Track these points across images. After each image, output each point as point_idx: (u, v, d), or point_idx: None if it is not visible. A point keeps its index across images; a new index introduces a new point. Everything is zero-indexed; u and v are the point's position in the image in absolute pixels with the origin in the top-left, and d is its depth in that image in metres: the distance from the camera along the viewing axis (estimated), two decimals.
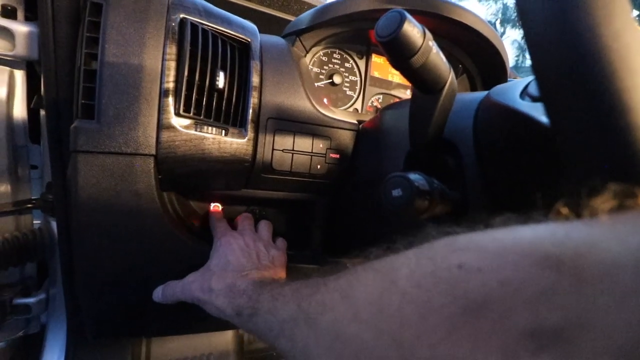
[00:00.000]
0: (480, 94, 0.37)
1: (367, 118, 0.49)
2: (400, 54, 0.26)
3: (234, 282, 0.35)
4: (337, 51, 0.58)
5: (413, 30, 0.25)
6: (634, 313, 0.09)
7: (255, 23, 0.51)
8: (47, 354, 0.63)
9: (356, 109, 0.60)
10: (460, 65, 0.65)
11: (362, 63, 0.60)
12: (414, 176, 0.26)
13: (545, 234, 0.13)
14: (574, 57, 0.14)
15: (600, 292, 0.10)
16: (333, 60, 0.58)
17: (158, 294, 0.41)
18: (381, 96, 0.63)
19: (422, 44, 0.26)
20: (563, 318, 0.10)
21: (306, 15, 0.48)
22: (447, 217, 0.33)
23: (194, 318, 0.50)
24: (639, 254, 0.10)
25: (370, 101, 0.62)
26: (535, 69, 0.16)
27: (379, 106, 0.62)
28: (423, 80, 0.29)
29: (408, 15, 0.25)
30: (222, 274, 0.38)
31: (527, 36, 0.16)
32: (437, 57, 0.27)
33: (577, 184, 0.15)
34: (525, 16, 0.16)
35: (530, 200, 0.30)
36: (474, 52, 0.59)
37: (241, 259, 0.40)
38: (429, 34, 0.27)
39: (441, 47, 0.60)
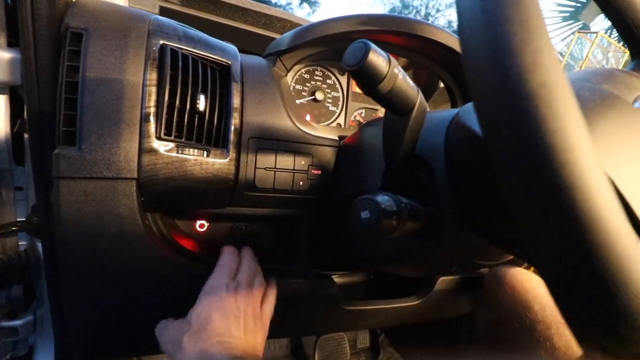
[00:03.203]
0: (451, 112, 0.38)
1: (350, 133, 0.50)
2: (368, 82, 0.27)
3: (208, 348, 0.32)
4: (319, 68, 0.60)
5: (378, 59, 0.27)
6: None
7: (239, 41, 0.52)
8: None
9: (339, 124, 0.62)
10: (439, 80, 0.67)
11: (343, 79, 0.62)
12: (381, 198, 0.27)
13: None
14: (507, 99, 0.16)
15: None
16: (315, 77, 0.60)
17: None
18: (364, 110, 0.64)
19: (388, 71, 0.27)
20: None
21: (286, 36, 0.49)
22: (421, 231, 0.34)
23: None
24: None
25: (353, 116, 0.63)
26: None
27: (362, 120, 0.64)
28: (392, 104, 0.31)
29: (373, 46, 0.26)
30: (198, 333, 0.34)
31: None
32: (403, 82, 0.29)
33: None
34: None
35: (499, 216, 0.32)
36: (450, 67, 0.62)
37: (226, 321, 0.35)
38: (394, 62, 0.28)
39: (419, 63, 0.63)
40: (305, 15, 11.61)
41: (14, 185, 0.55)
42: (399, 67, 0.29)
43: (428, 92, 0.70)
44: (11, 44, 0.46)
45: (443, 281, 0.62)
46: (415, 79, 0.68)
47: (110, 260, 0.38)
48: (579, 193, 0.14)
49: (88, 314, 0.42)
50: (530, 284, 0.57)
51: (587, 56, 5.81)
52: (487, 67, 0.16)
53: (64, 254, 0.37)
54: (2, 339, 0.60)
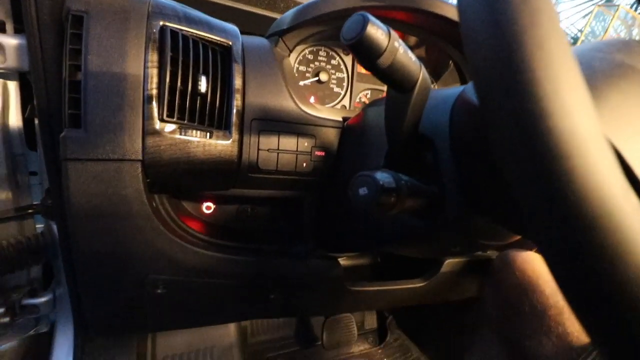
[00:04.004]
0: (457, 90, 0.37)
1: (354, 114, 0.50)
2: (367, 56, 0.27)
3: None
4: (323, 48, 0.59)
5: (377, 32, 0.26)
6: None
7: (241, 22, 0.51)
8: (56, 352, 0.66)
9: (344, 106, 0.61)
10: (449, 59, 0.65)
11: (348, 60, 0.60)
12: (380, 175, 0.26)
13: None
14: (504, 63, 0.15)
15: None
16: (319, 57, 0.59)
17: None
18: (369, 92, 0.63)
19: (387, 45, 0.26)
20: None
21: (287, 15, 0.49)
22: (424, 211, 0.34)
23: (192, 313, 0.53)
24: None
25: (359, 97, 0.63)
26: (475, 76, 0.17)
27: (367, 102, 0.63)
28: (393, 80, 0.30)
29: (371, 18, 0.26)
30: None
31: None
32: (404, 56, 0.28)
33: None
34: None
35: (500, 196, 0.31)
36: (460, 44, 0.59)
37: None
38: (394, 35, 0.27)
39: (428, 41, 0.61)
40: None
41: (28, 170, 0.57)
42: (400, 41, 0.28)
43: (437, 72, 0.68)
44: (18, 31, 0.47)
45: (450, 263, 0.62)
46: (424, 58, 0.66)
47: (119, 240, 0.40)
48: (576, 160, 0.14)
49: (101, 292, 0.44)
50: (541, 268, 0.56)
51: (607, 30, 5.49)
52: (483, 27, 0.15)
53: (76, 234, 0.39)
54: (25, 316, 0.63)
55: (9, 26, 0.46)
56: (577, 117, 0.14)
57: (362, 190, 0.26)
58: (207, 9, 0.50)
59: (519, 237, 0.41)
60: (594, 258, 0.15)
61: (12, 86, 0.50)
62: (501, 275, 0.59)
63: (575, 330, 0.48)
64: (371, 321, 1.11)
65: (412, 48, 0.64)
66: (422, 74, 0.31)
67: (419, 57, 0.31)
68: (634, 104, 0.23)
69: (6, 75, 0.48)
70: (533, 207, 0.16)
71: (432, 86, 0.69)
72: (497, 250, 0.70)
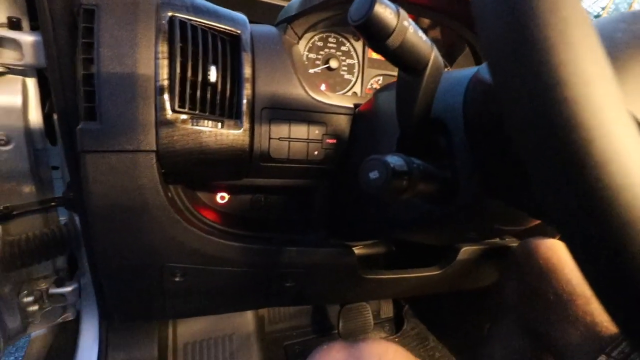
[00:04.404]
0: (470, 71, 0.36)
1: (365, 101, 0.49)
2: (375, 37, 0.26)
3: None
4: (333, 35, 0.58)
5: (385, 11, 0.25)
6: None
7: (250, 11, 0.51)
8: (82, 339, 0.69)
9: (355, 93, 0.60)
10: (464, 42, 0.63)
11: (358, 45, 0.59)
12: (391, 158, 0.26)
13: None
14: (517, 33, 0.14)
15: None
16: (329, 44, 0.58)
17: None
18: (381, 77, 0.62)
19: (396, 24, 0.26)
20: None
21: (295, 1, 0.48)
22: (437, 195, 0.33)
23: (209, 300, 0.54)
24: None
25: (370, 84, 0.61)
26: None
27: (379, 88, 0.62)
28: (404, 61, 0.29)
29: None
30: None
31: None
32: (414, 36, 0.27)
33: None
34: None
35: (517, 179, 0.30)
36: (474, 26, 0.57)
37: None
38: (403, 14, 0.26)
39: (443, 23, 0.59)
40: None
41: (50, 164, 0.59)
42: (410, 20, 0.27)
43: (452, 55, 0.66)
44: (33, 28, 0.48)
45: (466, 251, 0.61)
46: (438, 41, 0.64)
47: (137, 229, 0.41)
48: (595, 131, 0.13)
49: (121, 281, 0.45)
50: (566, 255, 0.54)
51: (631, 5, 5.18)
52: None
53: (95, 224, 0.40)
54: (53, 305, 0.66)
55: (25, 23, 0.47)
56: (596, 85, 0.13)
57: (373, 174, 0.26)
58: None
59: (536, 222, 0.40)
60: (617, 237, 0.14)
61: (31, 83, 0.51)
62: (523, 263, 0.57)
63: (604, 320, 0.46)
64: (387, 310, 1.11)
65: (425, 31, 0.62)
66: (433, 54, 0.30)
67: (433, 40, 0.30)
68: None
69: (25, 72, 0.50)
70: (550, 183, 0.15)
71: (445, 69, 0.67)
72: (514, 237, 0.68)
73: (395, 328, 1.09)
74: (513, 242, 0.66)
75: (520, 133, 0.15)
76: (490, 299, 0.76)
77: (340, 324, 0.92)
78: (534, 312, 0.54)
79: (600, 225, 0.14)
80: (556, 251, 0.55)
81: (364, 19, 0.25)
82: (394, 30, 0.26)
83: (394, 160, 0.26)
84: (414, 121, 0.33)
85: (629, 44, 0.23)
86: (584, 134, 0.13)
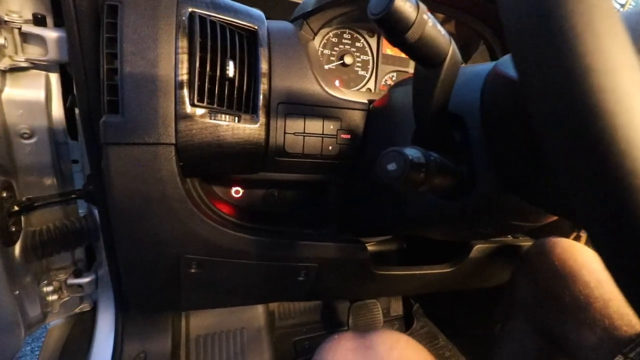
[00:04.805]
0: (488, 65, 0.36)
1: (380, 97, 0.49)
2: (395, 30, 0.26)
3: None
4: (347, 31, 0.58)
5: (405, 4, 0.25)
6: None
7: (267, 7, 0.51)
8: (99, 328, 0.70)
9: (369, 89, 0.60)
10: (480, 39, 0.62)
11: (373, 41, 0.59)
12: (409, 151, 0.26)
13: None
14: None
15: None
16: (343, 40, 0.58)
17: None
18: (395, 74, 0.62)
19: (416, 18, 0.26)
20: None
21: None
22: (453, 190, 0.33)
23: (223, 292, 0.55)
24: None
25: (384, 80, 0.62)
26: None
27: (393, 84, 0.62)
28: (422, 55, 0.29)
29: None
30: None
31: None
32: (433, 29, 0.27)
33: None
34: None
35: (535, 174, 0.30)
36: (491, 21, 0.57)
37: None
38: (422, 7, 0.26)
39: (458, 19, 0.59)
40: None
41: (70, 158, 0.61)
42: (429, 14, 0.27)
43: (468, 51, 0.66)
44: (57, 24, 0.50)
45: (479, 249, 0.61)
46: (454, 37, 0.64)
47: (155, 220, 0.42)
48: (621, 118, 0.13)
49: (139, 271, 0.46)
50: (584, 257, 0.53)
51: None
52: None
53: (115, 216, 0.41)
54: (71, 295, 0.68)
55: (50, 20, 0.49)
56: (622, 73, 0.13)
57: (391, 166, 0.26)
58: None
59: (552, 218, 0.40)
60: None
61: (54, 78, 0.53)
62: (538, 263, 0.56)
63: (622, 324, 0.45)
64: (397, 308, 1.11)
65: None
66: (452, 48, 0.30)
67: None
68: None
69: (48, 67, 0.51)
70: (576, 173, 0.15)
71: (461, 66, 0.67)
72: (528, 235, 0.68)
73: (404, 326, 1.09)
74: (527, 241, 0.66)
75: (546, 125, 0.15)
76: (501, 299, 0.75)
77: (350, 321, 0.92)
78: (547, 314, 0.53)
79: (626, 214, 0.14)
80: (573, 252, 0.54)
81: (384, 12, 0.25)
82: (413, 23, 0.26)
83: (412, 152, 0.26)
84: (430, 115, 0.33)
85: None
86: (610, 122, 0.13)
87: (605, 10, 0.14)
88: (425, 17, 0.26)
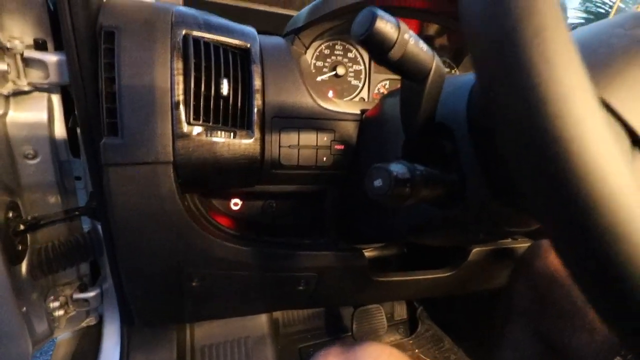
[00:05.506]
0: (473, 75, 0.37)
1: (373, 106, 0.50)
2: (378, 50, 0.27)
3: None
4: (339, 42, 0.59)
5: (386, 26, 0.26)
6: None
7: (261, 22, 0.53)
8: (105, 342, 0.72)
9: (362, 98, 0.61)
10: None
11: (364, 52, 0.61)
12: (394, 166, 0.27)
13: None
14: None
15: None
16: (335, 51, 0.59)
17: None
18: (387, 82, 0.63)
19: (397, 38, 0.27)
20: None
21: (302, 12, 0.50)
22: (443, 199, 0.34)
23: (225, 303, 0.56)
24: None
25: (377, 88, 0.63)
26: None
27: (386, 92, 0.63)
28: (406, 71, 0.30)
29: (380, 13, 0.26)
30: None
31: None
32: (415, 47, 0.28)
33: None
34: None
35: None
36: None
37: None
38: (404, 27, 0.28)
39: (447, 26, 0.60)
40: None
41: (73, 175, 0.62)
42: (410, 32, 0.28)
43: (458, 57, 0.67)
44: (58, 48, 0.51)
45: (477, 252, 0.61)
46: (446, 44, 0.65)
47: (156, 237, 0.43)
48: (572, 144, 0.14)
49: (142, 286, 0.48)
50: None
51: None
52: (480, 19, 0.16)
53: (118, 233, 0.42)
54: (77, 309, 0.69)
55: (50, 44, 0.50)
56: (574, 101, 0.14)
57: (377, 182, 0.27)
58: (227, 12, 0.52)
59: None
60: (601, 242, 0.15)
61: (56, 99, 0.54)
62: (534, 266, 0.57)
63: None
64: (401, 312, 1.11)
65: (432, 35, 0.63)
66: (435, 63, 0.31)
67: (441, 44, 0.31)
68: None
69: (50, 89, 0.53)
70: (538, 195, 0.16)
71: (453, 72, 0.68)
72: (525, 237, 0.68)
73: (409, 330, 1.09)
74: (526, 242, 0.66)
75: (508, 149, 0.17)
76: (501, 301, 0.76)
77: (354, 326, 0.93)
78: (546, 319, 0.53)
79: (582, 232, 0.15)
80: None
81: (365, 34, 0.26)
82: (394, 43, 0.27)
83: (397, 168, 0.27)
84: (418, 126, 0.34)
85: (624, 48, 0.24)
86: (564, 148, 0.14)
87: (560, 44, 0.15)
88: (406, 36, 0.27)
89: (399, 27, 0.27)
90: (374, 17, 0.26)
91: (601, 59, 0.23)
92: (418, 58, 0.29)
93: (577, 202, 0.14)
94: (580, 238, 0.15)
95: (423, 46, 0.29)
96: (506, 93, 0.15)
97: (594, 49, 0.24)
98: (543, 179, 0.15)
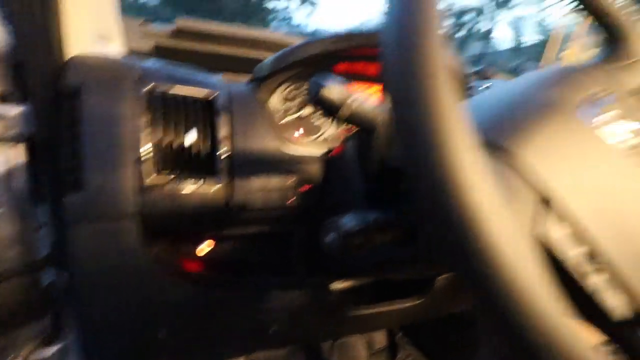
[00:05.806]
0: None
1: (339, 144, 0.53)
2: (327, 111, 0.30)
3: None
4: (305, 84, 0.63)
5: (331, 92, 0.30)
6: None
7: (231, 65, 0.55)
8: None
9: (330, 136, 0.64)
10: None
11: None
12: (345, 219, 0.29)
13: None
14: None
15: None
16: (303, 92, 0.62)
17: None
18: None
19: (343, 102, 0.30)
20: None
21: (266, 62, 0.53)
22: (400, 240, 0.36)
23: (196, 352, 0.54)
24: None
25: (344, 125, 0.66)
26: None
27: (351, 133, 0.66)
28: (356, 124, 0.33)
29: (327, 82, 0.30)
30: None
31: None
32: (361, 108, 0.32)
33: None
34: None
35: None
36: None
37: None
38: (349, 93, 0.31)
39: None
40: (306, 15, 12.13)
41: (36, 224, 0.60)
42: (356, 96, 0.31)
43: None
44: (22, 100, 0.51)
45: (442, 279, 0.63)
46: None
47: (123, 291, 0.42)
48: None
49: (107, 340, 0.46)
50: None
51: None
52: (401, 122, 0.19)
53: (81, 289, 0.42)
54: None
55: (14, 97, 0.51)
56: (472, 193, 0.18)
57: (329, 237, 0.29)
58: (198, 58, 0.55)
59: None
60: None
61: (19, 149, 0.53)
62: None
63: None
64: (380, 340, 1.11)
65: None
66: (381, 118, 0.34)
67: None
68: (560, 146, 0.25)
69: (13, 139, 0.52)
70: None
71: None
72: None
73: (390, 357, 1.08)
74: None
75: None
76: (478, 320, 0.78)
77: (335, 359, 0.92)
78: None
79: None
80: None
81: (314, 99, 0.29)
82: (340, 107, 0.30)
83: (347, 221, 0.29)
84: (373, 172, 0.37)
85: (539, 111, 0.27)
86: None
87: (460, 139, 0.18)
88: (350, 100, 0.31)
89: (344, 93, 0.30)
90: (319, 87, 0.29)
91: (518, 119, 0.27)
92: (364, 116, 0.32)
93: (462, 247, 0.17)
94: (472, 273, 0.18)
95: (369, 106, 0.33)
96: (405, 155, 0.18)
97: (512, 109, 0.28)
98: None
